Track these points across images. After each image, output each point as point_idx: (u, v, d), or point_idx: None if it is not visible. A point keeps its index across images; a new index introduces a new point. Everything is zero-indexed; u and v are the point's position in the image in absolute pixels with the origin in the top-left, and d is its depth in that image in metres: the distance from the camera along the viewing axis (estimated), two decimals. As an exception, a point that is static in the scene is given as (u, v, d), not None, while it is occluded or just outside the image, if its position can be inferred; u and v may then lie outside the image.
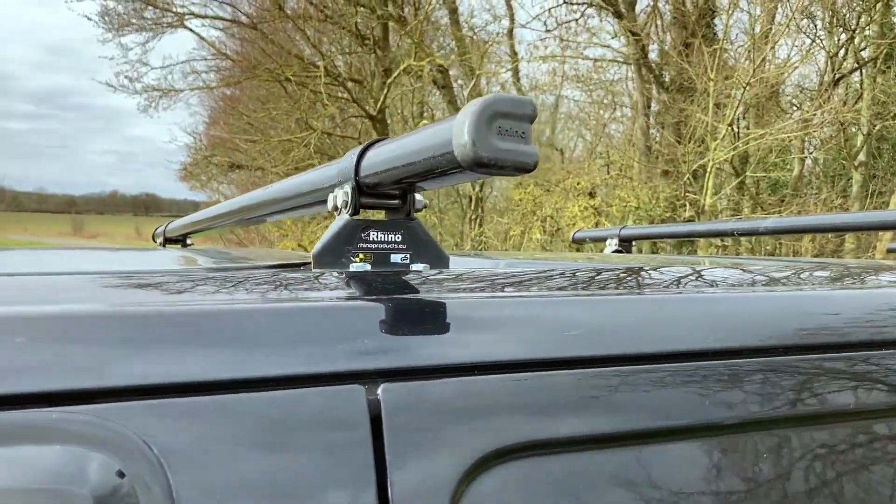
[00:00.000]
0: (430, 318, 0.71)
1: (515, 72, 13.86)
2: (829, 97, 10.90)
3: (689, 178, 10.77)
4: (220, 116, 18.27)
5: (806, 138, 11.47)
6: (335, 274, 0.82)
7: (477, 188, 13.21)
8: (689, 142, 10.82)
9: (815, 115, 10.60)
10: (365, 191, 0.90)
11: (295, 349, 0.64)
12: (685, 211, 10.58)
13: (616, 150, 13.00)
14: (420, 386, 0.65)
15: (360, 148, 0.90)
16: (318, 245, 0.88)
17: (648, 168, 11.87)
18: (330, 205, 0.93)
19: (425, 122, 13.30)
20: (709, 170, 10.18)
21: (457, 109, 13.79)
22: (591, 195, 11.58)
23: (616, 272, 0.98)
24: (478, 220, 13.44)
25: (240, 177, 17.73)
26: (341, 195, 0.91)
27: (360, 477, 0.60)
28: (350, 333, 0.66)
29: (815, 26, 11.58)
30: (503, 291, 0.80)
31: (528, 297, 0.79)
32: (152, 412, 0.57)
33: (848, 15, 11.35)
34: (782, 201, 11.41)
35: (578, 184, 11.48)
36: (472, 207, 13.54)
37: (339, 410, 0.62)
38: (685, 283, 0.98)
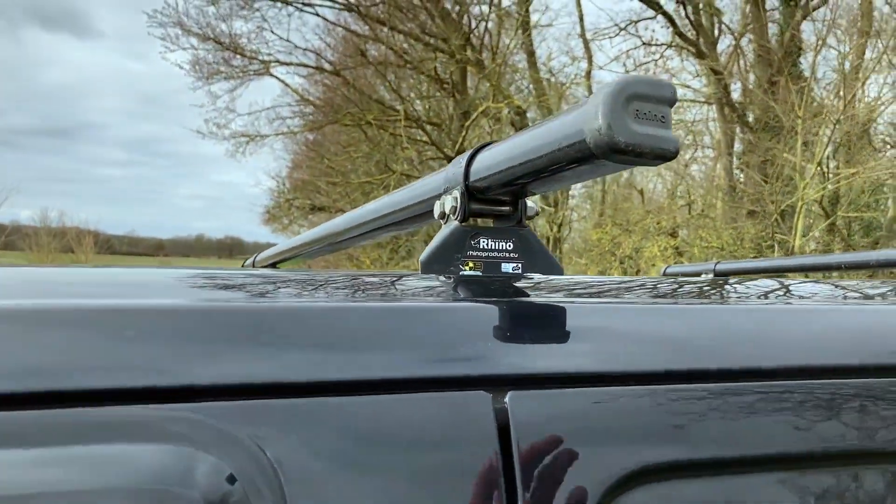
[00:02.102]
0: (563, 324, 0.65)
1: (594, 113, 13.76)
2: (925, 134, 10.42)
3: (776, 219, 10.41)
4: (302, 160, 18.77)
5: (902, 177, 10.97)
6: (454, 277, 0.77)
7: (555, 229, 13.10)
8: (777, 181, 10.49)
9: (911, 152, 10.15)
10: (475, 196, 0.85)
11: (416, 351, 0.58)
12: (773, 252, 10.21)
13: (698, 190, 12.72)
14: (551, 395, 0.59)
15: (469, 152, 0.86)
16: (426, 252, 0.84)
17: (733, 208, 11.55)
18: (437, 212, 0.89)
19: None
20: (798, 209, 9.83)
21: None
22: (673, 235, 11.33)
23: (761, 286, 0.90)
24: (556, 262, 13.29)
25: (320, 219, 18.07)
26: (450, 201, 0.86)
27: (487, 491, 0.54)
28: (474, 337, 0.61)
29: (908, 62, 11.15)
30: (644, 299, 0.73)
31: (675, 304, 0.72)
32: (267, 413, 0.53)
33: (944, 50, 10.89)
34: (876, 243, 10.92)
35: (659, 223, 11.25)
36: (551, 248, 13.42)
37: (463, 419, 0.56)
38: (848, 298, 0.89)
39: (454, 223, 0.85)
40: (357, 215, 1.31)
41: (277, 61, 14.40)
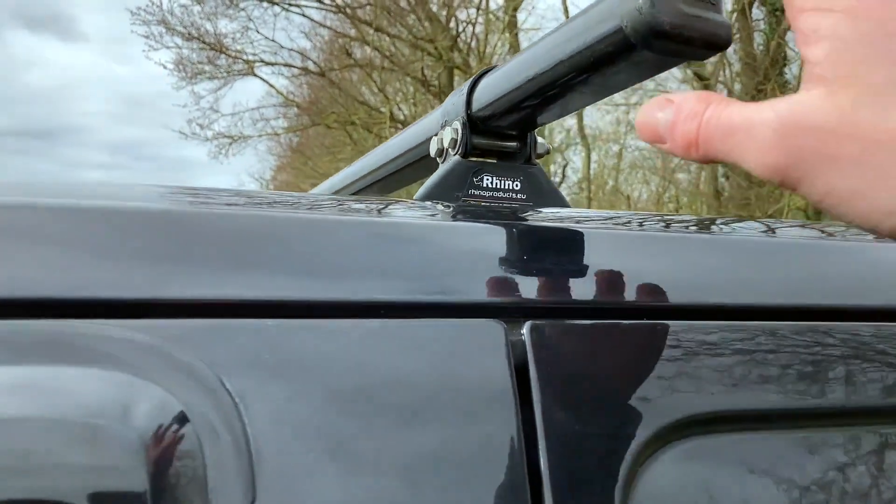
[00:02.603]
0: (589, 252, 0.54)
1: (580, 118, 13.74)
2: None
3: (762, 225, 10.38)
4: (287, 163, 18.60)
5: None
6: (462, 201, 0.67)
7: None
8: (762, 187, 10.48)
9: None
10: (478, 128, 0.74)
11: (417, 271, 0.48)
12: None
13: (684, 196, 12.70)
14: (577, 328, 0.49)
15: (472, 78, 0.76)
16: (422, 188, 0.73)
17: (720, 213, 11.53)
18: (433, 149, 0.78)
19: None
20: (784, 216, 9.81)
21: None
22: (660, 241, 11.30)
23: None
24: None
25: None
26: (449, 133, 0.75)
27: (502, 435, 0.44)
28: (485, 260, 0.50)
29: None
30: (679, 231, 0.63)
31: (719, 235, 0.62)
32: (230, 335, 0.42)
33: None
34: (861, 252, 10.92)
35: (646, 229, 11.21)
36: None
37: (472, 350, 0.46)
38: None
39: (455, 157, 0.74)
40: (353, 171, 1.20)
41: (262, 61, 14.24)
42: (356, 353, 0.43)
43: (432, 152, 0.79)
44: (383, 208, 0.59)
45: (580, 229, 0.58)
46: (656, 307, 0.51)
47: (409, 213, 0.59)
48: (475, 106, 0.73)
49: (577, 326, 0.49)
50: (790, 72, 12.12)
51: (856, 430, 0.53)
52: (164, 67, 14.81)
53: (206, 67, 14.27)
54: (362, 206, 0.61)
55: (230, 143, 15.22)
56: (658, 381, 0.48)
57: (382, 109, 13.83)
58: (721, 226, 0.70)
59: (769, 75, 11.56)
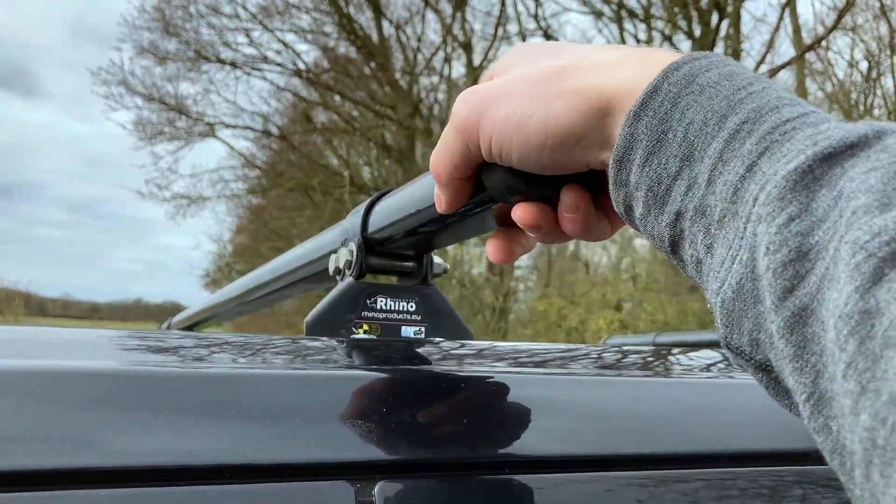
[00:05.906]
0: (449, 400, 0.53)
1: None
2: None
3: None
4: (246, 224, 18.52)
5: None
6: (327, 340, 0.65)
7: (501, 299, 13.05)
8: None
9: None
10: (374, 249, 0.74)
11: (260, 430, 0.46)
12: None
13: (642, 263, 12.84)
14: (432, 486, 0.47)
15: (368, 200, 0.76)
16: (313, 311, 0.72)
17: (676, 282, 11.67)
18: (331, 268, 0.78)
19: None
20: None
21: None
22: (618, 308, 11.37)
23: (689, 355, 0.80)
24: (501, 333, 13.20)
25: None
26: (345, 254, 0.75)
27: None
28: (339, 412, 0.49)
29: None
30: (549, 369, 0.63)
31: (584, 376, 0.61)
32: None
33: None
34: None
35: (604, 296, 11.29)
36: (496, 319, 13.34)
37: (320, 517, 0.44)
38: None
39: (349, 279, 0.74)
40: (260, 274, 1.20)
41: (223, 123, 14.30)
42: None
43: (330, 270, 0.78)
44: (249, 349, 0.58)
45: (451, 372, 0.57)
46: (516, 459, 0.51)
47: (274, 354, 0.58)
48: (371, 228, 0.73)
49: (432, 485, 0.48)
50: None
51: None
52: (124, 128, 14.79)
53: (166, 129, 14.27)
54: (237, 340, 0.60)
55: (188, 205, 15.14)
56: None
57: (344, 173, 13.90)
58: (614, 363, 0.70)
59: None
